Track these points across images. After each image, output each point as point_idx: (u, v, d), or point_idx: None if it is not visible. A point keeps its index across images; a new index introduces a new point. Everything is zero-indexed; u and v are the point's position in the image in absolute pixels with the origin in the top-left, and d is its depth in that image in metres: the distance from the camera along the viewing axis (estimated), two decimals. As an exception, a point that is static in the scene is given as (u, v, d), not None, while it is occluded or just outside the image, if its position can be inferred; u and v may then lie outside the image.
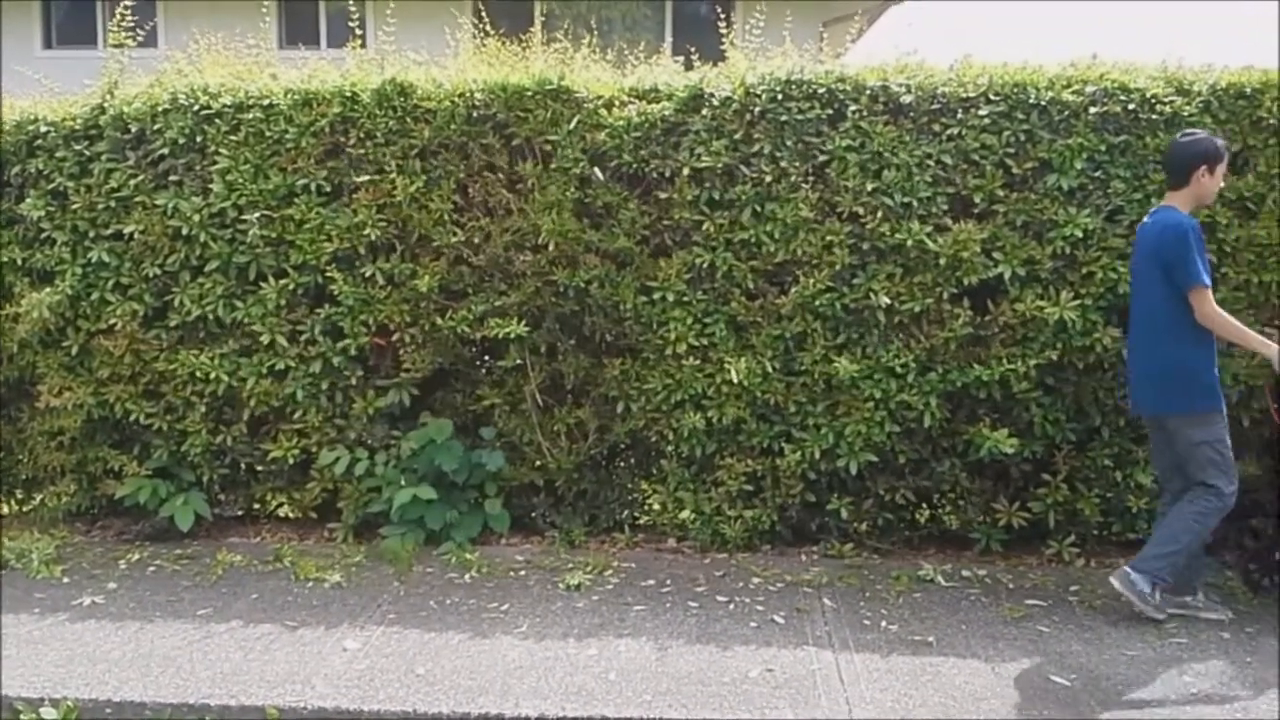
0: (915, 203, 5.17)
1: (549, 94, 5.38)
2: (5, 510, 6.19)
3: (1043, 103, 5.18)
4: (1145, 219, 4.65)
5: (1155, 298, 4.49)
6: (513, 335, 5.33)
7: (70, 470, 5.84)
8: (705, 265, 5.31)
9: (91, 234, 5.66)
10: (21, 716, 3.84)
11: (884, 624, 4.53)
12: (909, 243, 5.13)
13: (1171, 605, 4.63)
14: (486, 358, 5.63)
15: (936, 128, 5.22)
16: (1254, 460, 5.14)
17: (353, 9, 6.37)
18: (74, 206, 5.65)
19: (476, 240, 5.43)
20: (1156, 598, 4.52)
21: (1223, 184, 4.67)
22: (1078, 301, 5.11)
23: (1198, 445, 4.46)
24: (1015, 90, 5.20)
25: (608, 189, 5.36)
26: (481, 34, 6.06)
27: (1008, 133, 5.16)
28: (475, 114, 5.43)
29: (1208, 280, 4.38)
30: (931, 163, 5.19)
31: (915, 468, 5.38)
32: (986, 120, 5.17)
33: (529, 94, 5.38)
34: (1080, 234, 5.09)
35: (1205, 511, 4.46)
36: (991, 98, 5.20)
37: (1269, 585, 4.81)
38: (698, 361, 5.35)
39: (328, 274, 5.48)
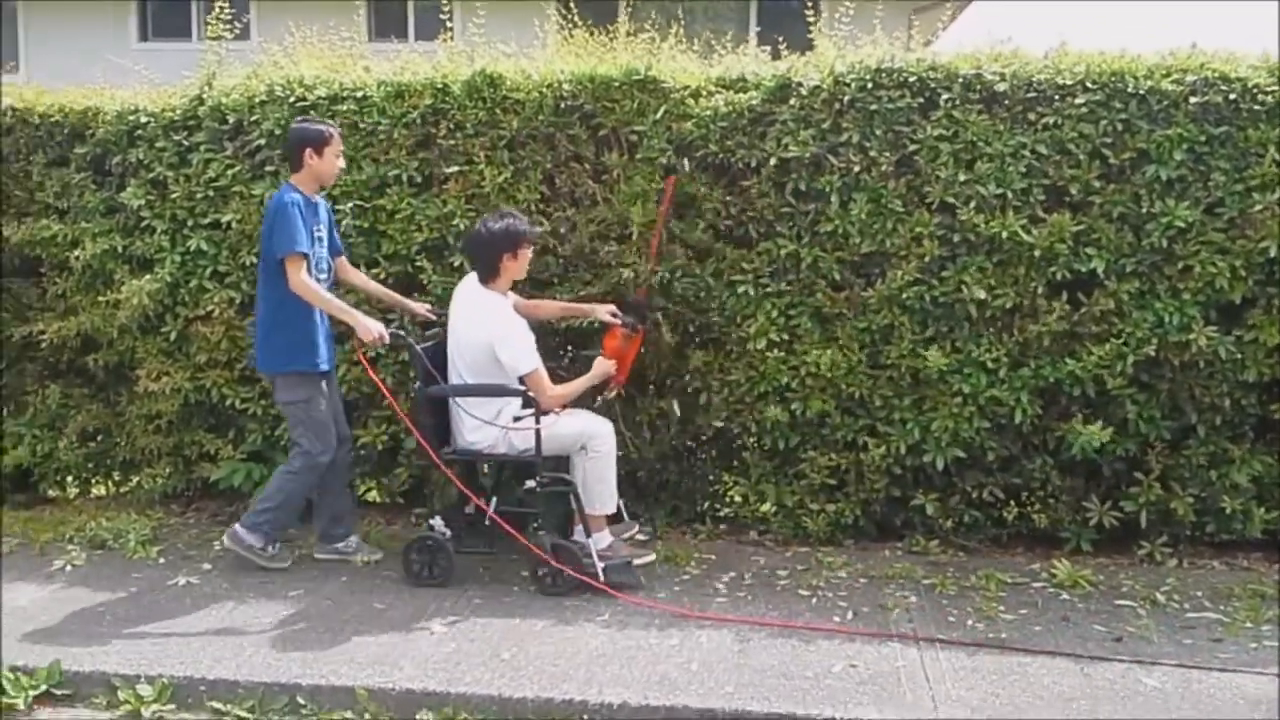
0: (1009, 194, 5.08)
1: (636, 84, 5.38)
2: (103, 491, 6.39)
3: (1141, 92, 5.03)
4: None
5: (270, 265, 4.90)
6: (596, 325, 5.34)
7: (167, 453, 5.99)
8: (790, 256, 5.27)
9: (190, 223, 5.79)
10: (119, 693, 3.96)
11: (970, 622, 4.47)
12: (1003, 234, 5.04)
13: (326, 552, 5.22)
14: (570, 347, 5.65)
15: (1031, 117, 5.10)
16: None
17: (444, 2, 6.43)
18: (173, 196, 5.79)
19: (562, 230, 5.46)
20: (269, 550, 5.06)
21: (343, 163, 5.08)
22: (1175, 297, 4.98)
23: (287, 405, 5.03)
24: (1113, 79, 5.06)
25: (693, 179, 5.34)
26: (569, 25, 6.09)
27: (1105, 122, 5.03)
28: (563, 105, 5.44)
29: (302, 250, 4.78)
30: (1026, 153, 5.08)
31: (1004, 464, 5.28)
32: (1084, 109, 5.04)
33: (616, 84, 5.39)
34: (1180, 227, 4.96)
35: (296, 471, 4.99)
36: (1089, 86, 5.07)
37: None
38: (781, 353, 5.31)
39: (417, 263, 5.55)
